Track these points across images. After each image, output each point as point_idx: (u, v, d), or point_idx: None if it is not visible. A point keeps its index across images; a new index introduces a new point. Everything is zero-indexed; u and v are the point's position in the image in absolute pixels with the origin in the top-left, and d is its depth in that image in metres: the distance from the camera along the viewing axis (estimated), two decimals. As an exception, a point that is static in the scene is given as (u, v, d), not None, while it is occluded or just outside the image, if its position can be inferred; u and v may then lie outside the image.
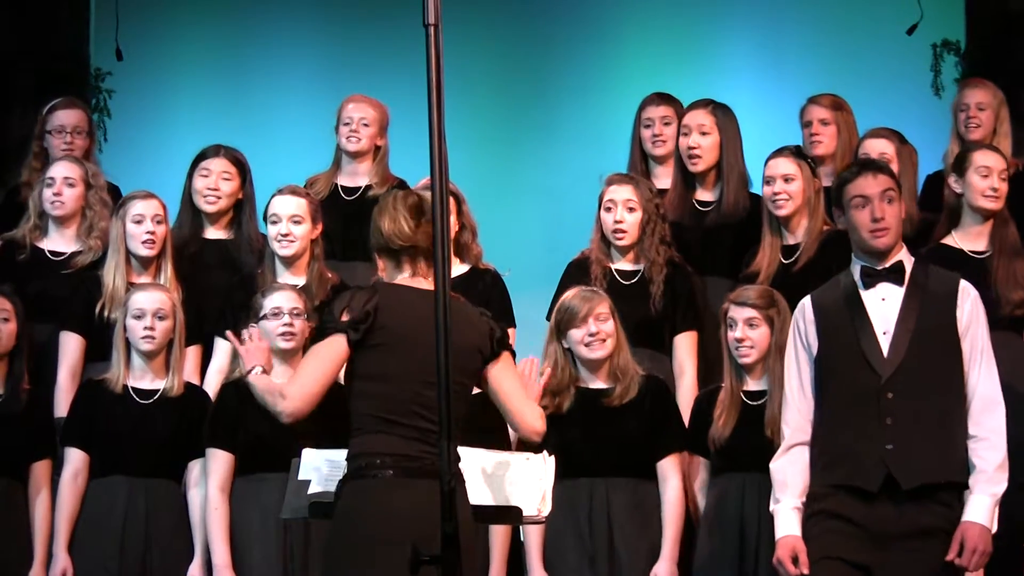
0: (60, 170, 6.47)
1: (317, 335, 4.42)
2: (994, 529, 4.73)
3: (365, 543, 4.21)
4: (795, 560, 4.76)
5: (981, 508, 4.69)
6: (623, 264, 6.22)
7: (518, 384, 4.52)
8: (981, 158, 6.15)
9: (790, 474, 4.86)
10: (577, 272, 6.24)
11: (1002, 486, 4.72)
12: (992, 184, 6.10)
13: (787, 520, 4.83)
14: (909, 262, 4.90)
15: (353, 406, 4.35)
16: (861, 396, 4.76)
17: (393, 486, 4.23)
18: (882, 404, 4.72)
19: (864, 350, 4.77)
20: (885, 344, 4.78)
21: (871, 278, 4.85)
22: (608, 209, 6.18)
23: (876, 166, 4.99)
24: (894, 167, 6.39)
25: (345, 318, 4.29)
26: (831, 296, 4.93)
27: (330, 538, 4.38)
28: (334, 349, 4.31)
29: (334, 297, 5.96)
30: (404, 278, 4.45)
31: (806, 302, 4.97)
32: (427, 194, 4.30)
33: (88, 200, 6.49)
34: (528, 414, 4.49)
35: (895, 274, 4.85)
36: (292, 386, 4.34)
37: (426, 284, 4.37)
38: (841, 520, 4.73)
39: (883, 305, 4.83)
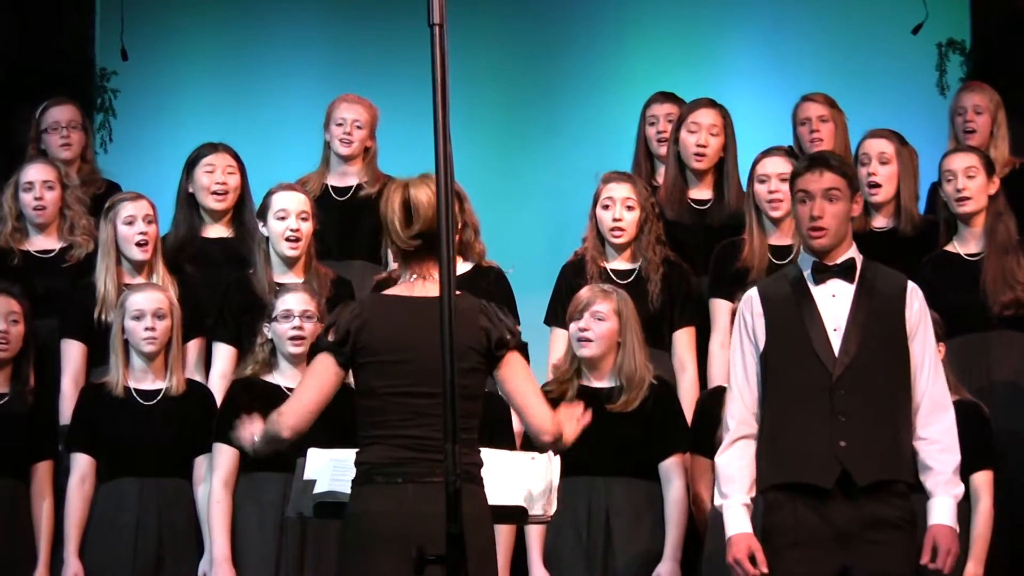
0: (37, 173, 6.45)
1: (312, 350, 4.50)
2: (958, 529, 4.72)
3: (354, 547, 4.32)
4: (752, 559, 4.66)
5: (946, 511, 4.68)
6: (618, 263, 6.21)
7: (527, 383, 4.44)
8: (945, 163, 6.16)
9: (737, 469, 4.74)
10: (572, 274, 6.24)
11: (961, 488, 4.71)
12: (956, 186, 6.08)
13: (737, 517, 4.71)
14: (859, 260, 4.81)
15: (357, 419, 4.43)
16: (810, 392, 4.69)
17: (377, 493, 4.30)
18: (834, 401, 4.66)
19: (815, 346, 4.70)
20: (836, 341, 4.71)
21: (822, 274, 4.77)
22: (606, 207, 6.17)
23: (825, 163, 4.81)
24: (894, 168, 6.38)
25: (332, 337, 4.38)
26: (779, 290, 4.83)
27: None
28: (325, 367, 4.38)
29: (339, 294, 6.02)
30: (404, 282, 4.45)
31: (753, 294, 4.85)
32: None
33: (66, 200, 6.49)
34: (537, 413, 4.41)
35: (846, 271, 4.78)
36: (289, 403, 4.41)
37: (419, 290, 4.38)
38: (799, 533, 4.65)
39: (833, 302, 4.75)
